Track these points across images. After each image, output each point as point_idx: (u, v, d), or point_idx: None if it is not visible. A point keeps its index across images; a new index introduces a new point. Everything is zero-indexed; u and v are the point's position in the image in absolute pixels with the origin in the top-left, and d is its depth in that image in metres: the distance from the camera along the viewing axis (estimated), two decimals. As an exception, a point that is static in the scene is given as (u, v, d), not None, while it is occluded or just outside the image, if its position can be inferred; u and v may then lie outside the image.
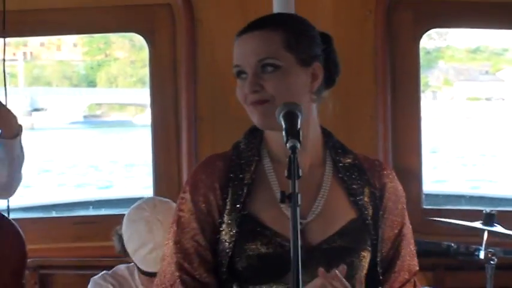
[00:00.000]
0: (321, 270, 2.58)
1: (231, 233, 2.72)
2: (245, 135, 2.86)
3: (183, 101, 5.35)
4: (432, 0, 5.39)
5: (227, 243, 2.72)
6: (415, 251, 2.90)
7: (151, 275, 3.72)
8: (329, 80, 2.83)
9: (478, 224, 4.52)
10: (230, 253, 2.71)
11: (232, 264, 2.72)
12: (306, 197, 2.53)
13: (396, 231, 2.84)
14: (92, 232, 5.27)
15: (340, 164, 2.80)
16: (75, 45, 26.32)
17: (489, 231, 4.43)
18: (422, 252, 4.60)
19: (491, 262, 4.37)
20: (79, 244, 5.31)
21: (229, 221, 2.73)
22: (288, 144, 2.51)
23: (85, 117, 28.70)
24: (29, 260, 4.66)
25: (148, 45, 5.47)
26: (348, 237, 2.75)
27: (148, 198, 4.32)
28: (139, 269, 3.94)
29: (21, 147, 4.34)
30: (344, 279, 2.61)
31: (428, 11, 5.42)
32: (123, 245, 4.03)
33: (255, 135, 2.84)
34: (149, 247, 3.84)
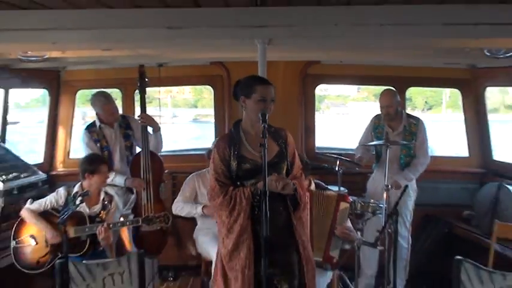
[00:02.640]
0: (273, 173, 2.56)
1: (234, 163, 2.62)
2: (233, 124, 2.72)
3: (226, 114, 5.18)
4: (320, 74, 5.20)
5: (234, 167, 2.62)
6: (300, 162, 2.78)
7: None
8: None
9: (336, 156, 4.37)
10: (235, 170, 2.62)
11: (237, 174, 2.62)
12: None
13: (292, 155, 2.74)
14: (194, 158, 5.08)
15: (269, 131, 2.65)
16: (189, 92, 26.04)
17: (339, 160, 4.31)
18: (313, 169, 4.51)
19: (340, 171, 4.28)
20: (187, 164, 4.99)
21: (233, 159, 2.62)
22: (262, 125, 2.50)
23: (194, 119, 28.56)
24: (166, 171, 4.53)
25: (213, 91, 5.28)
26: (278, 158, 2.68)
27: None
28: None
29: (161, 136, 4.16)
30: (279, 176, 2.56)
31: (319, 78, 5.29)
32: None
33: (238, 124, 2.72)
34: None
